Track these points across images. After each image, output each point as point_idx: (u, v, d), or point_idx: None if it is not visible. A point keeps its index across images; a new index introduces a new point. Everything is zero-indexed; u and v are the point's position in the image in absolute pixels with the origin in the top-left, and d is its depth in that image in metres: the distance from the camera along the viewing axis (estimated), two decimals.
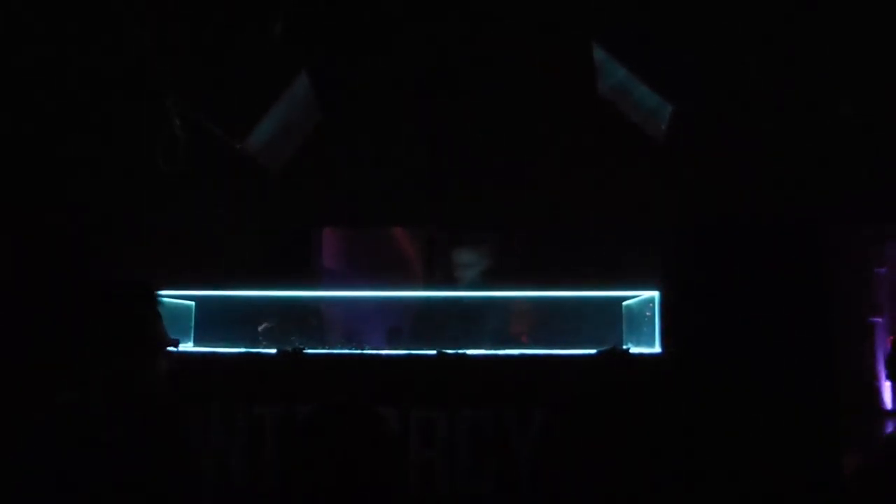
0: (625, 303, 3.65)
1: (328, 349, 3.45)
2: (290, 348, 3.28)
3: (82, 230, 3.94)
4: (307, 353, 3.26)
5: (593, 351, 3.19)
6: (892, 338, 4.08)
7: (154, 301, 2.30)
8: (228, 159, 3.90)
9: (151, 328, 2.27)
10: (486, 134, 4.09)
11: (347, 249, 4.87)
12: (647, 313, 3.45)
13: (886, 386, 4.65)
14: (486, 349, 3.39)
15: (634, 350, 3.29)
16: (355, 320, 4.15)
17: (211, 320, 3.68)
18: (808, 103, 3.72)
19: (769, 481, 3.25)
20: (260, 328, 3.96)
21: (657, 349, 3.26)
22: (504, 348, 3.45)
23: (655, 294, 3.29)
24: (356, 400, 1.97)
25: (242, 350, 3.29)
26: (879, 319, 4.78)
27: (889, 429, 4.54)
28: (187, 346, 3.60)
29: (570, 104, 3.99)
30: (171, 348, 2.29)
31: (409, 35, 4.07)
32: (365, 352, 3.32)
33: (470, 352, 3.21)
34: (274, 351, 3.25)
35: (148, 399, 2.24)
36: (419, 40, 4.07)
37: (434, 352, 3.17)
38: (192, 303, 3.72)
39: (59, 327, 2.42)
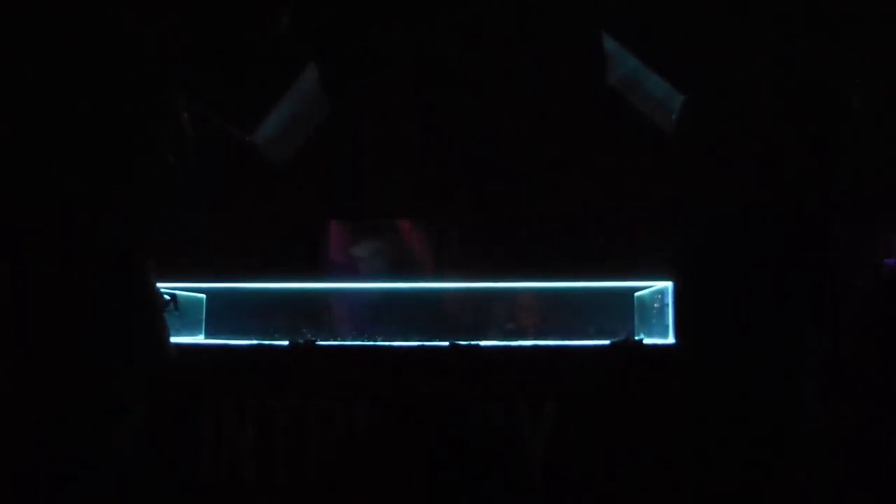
0: (637, 293, 3.63)
1: (340, 341, 3.43)
2: (301, 340, 3.27)
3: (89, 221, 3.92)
4: (319, 345, 3.24)
5: (606, 342, 3.19)
6: None
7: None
8: (237, 152, 3.89)
9: None
10: (496, 124, 4.07)
11: (355, 241, 4.85)
12: (656, 304, 3.44)
13: None
14: (496, 341, 3.37)
15: (647, 341, 3.27)
16: (366, 312, 4.12)
17: (222, 312, 3.68)
18: (819, 92, 3.70)
19: (782, 472, 3.24)
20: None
21: (670, 340, 3.24)
22: (515, 340, 3.43)
23: (668, 284, 3.27)
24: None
25: (255, 342, 3.27)
26: None
27: None
28: (198, 339, 3.59)
29: (580, 95, 3.98)
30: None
31: (418, 26, 4.05)
32: (377, 343, 3.31)
33: (483, 343, 3.20)
34: (286, 343, 3.23)
35: None
36: (428, 32, 4.05)
37: (447, 343, 3.16)
38: (203, 295, 3.72)
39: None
